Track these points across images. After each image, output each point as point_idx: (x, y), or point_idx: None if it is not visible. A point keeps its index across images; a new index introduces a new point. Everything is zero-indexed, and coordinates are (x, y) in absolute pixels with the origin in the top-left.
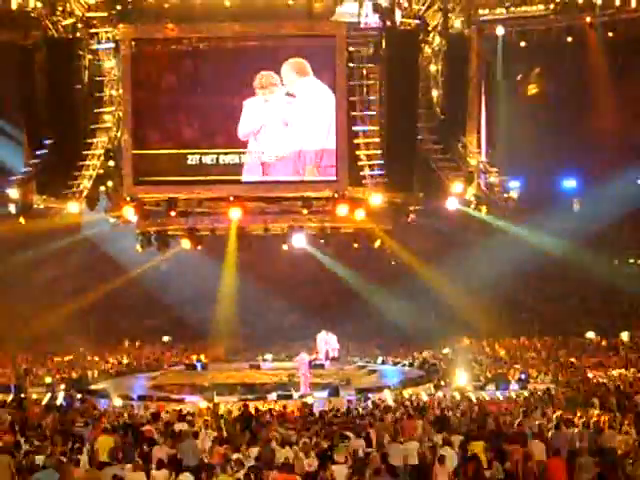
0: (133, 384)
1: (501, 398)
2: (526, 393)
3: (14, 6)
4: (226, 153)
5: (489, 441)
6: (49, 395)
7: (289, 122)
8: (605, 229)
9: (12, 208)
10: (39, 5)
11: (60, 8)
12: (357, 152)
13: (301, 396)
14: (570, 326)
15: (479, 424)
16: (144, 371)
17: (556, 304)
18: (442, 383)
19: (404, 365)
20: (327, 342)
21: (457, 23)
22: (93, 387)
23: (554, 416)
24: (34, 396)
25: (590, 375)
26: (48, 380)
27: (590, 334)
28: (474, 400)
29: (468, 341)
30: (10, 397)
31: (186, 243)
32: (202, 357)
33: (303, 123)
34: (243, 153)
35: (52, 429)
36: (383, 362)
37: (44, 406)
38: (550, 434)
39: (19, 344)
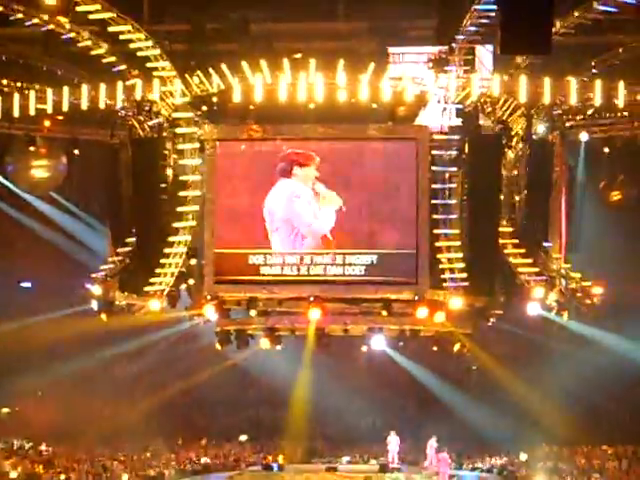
0: None
1: None
2: None
3: (102, 105)
4: (306, 254)
5: None
6: None
7: (369, 226)
8: None
9: (94, 305)
10: (127, 105)
11: (147, 108)
12: (438, 255)
13: None
14: None
15: None
16: (221, 470)
17: (638, 412)
18: None
19: (482, 471)
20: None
21: (540, 128)
22: None
23: None
24: None
25: None
26: (125, 478)
27: None
28: None
29: (547, 448)
30: None
31: (265, 342)
32: (279, 458)
33: (382, 225)
34: (323, 254)
35: None
36: (461, 467)
37: None
38: None
39: (97, 440)
